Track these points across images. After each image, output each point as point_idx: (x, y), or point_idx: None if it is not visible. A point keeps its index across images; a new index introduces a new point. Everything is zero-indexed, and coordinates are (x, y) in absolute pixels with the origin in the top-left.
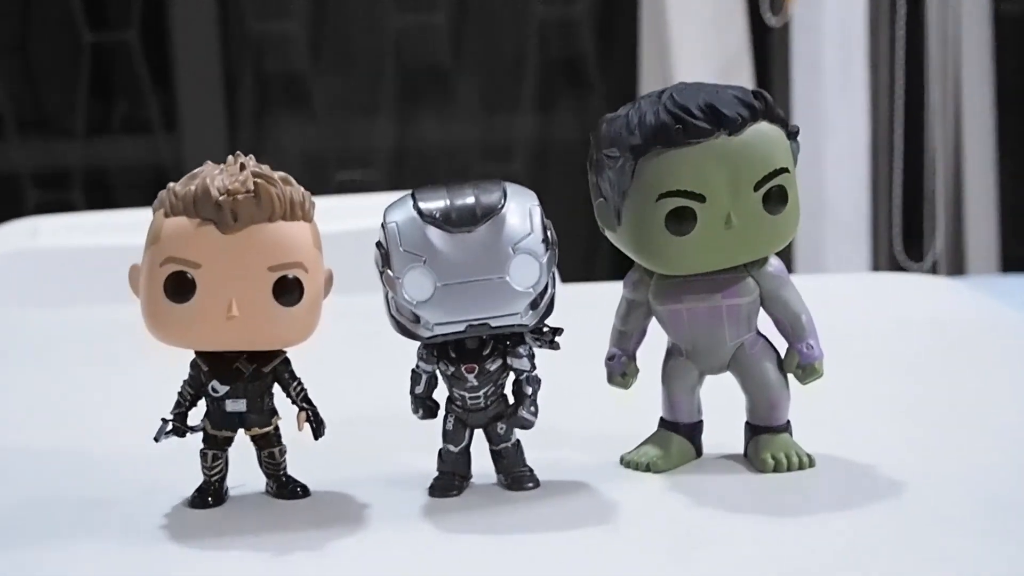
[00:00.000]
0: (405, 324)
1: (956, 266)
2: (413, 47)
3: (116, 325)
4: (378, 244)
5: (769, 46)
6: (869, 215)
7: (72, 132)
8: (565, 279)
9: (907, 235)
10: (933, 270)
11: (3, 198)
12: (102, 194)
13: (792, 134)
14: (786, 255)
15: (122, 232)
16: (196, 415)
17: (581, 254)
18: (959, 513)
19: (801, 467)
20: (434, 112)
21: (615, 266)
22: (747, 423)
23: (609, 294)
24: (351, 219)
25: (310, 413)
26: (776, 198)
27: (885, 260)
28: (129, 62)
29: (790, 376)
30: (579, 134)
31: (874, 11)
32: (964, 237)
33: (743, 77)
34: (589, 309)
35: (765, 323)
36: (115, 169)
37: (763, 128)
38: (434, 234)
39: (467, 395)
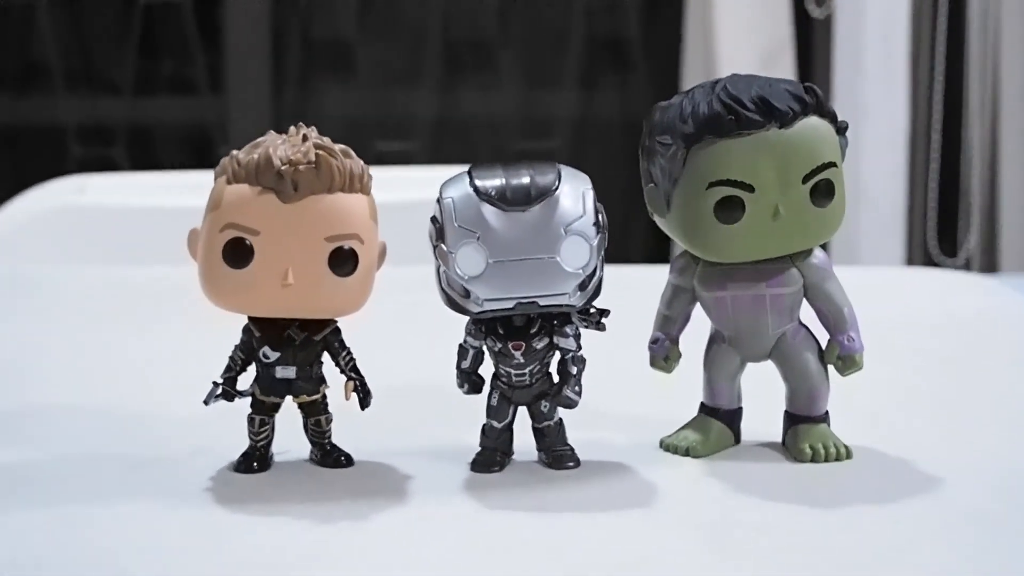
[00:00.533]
0: (455, 298)
1: (989, 263)
2: (459, 19)
3: (162, 285)
4: (433, 219)
5: (812, 37)
6: (905, 209)
7: (119, 89)
8: None
9: (942, 230)
10: (966, 266)
11: (47, 151)
12: (145, 152)
13: (841, 129)
14: (822, 245)
15: (169, 194)
16: (246, 380)
17: (616, 235)
18: (993, 507)
19: (838, 458)
20: (476, 85)
21: (650, 248)
22: (786, 412)
23: (643, 277)
24: (391, 190)
25: (358, 383)
26: (823, 191)
27: (919, 254)
28: (179, 22)
29: (830, 368)
30: (620, 114)
31: (916, 5)
32: (998, 234)
33: (785, 66)
34: (624, 290)
35: (808, 314)
36: (159, 127)
37: (813, 122)
38: (489, 211)
39: (513, 372)
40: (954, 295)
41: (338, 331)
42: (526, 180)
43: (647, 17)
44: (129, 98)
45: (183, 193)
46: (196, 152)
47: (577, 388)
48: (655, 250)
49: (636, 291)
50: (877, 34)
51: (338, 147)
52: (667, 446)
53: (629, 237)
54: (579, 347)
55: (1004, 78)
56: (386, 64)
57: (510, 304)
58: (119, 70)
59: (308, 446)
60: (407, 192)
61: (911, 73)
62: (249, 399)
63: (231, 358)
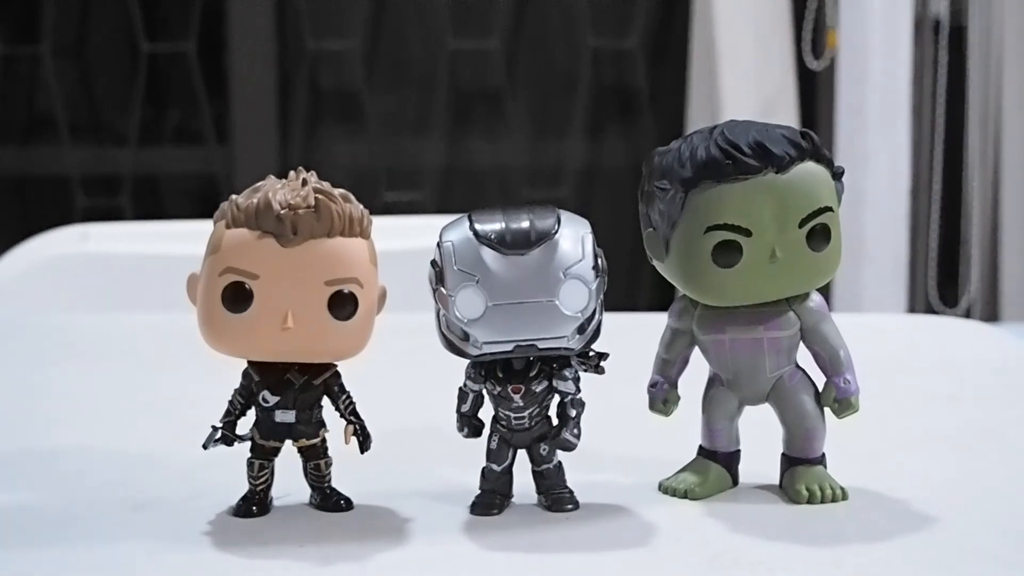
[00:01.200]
0: (455, 341)
1: (990, 312)
2: (466, 69)
3: (164, 332)
4: (433, 262)
5: (814, 86)
6: (906, 258)
7: (125, 139)
8: (606, 307)
9: (943, 279)
10: (967, 315)
11: (53, 201)
12: (151, 202)
13: (837, 175)
14: (824, 293)
15: (172, 241)
16: (245, 424)
17: (625, 282)
18: (989, 548)
19: (834, 499)
20: (484, 134)
21: (658, 295)
22: (783, 454)
23: (651, 323)
24: (397, 239)
25: (357, 427)
26: (820, 236)
27: (921, 303)
28: (185, 73)
29: (827, 410)
30: (627, 162)
31: (917, 57)
32: (1000, 283)
33: (787, 115)
34: (631, 337)
35: (804, 357)
36: (165, 178)
37: (810, 167)
38: (488, 255)
39: (512, 415)
40: (954, 340)
41: (338, 375)
42: (526, 224)
43: (653, 66)
44: (135, 148)
45: (185, 241)
46: (202, 202)
47: (576, 431)
48: (663, 296)
49: (639, 336)
50: (878, 84)
51: (338, 191)
52: (666, 488)
53: (636, 284)
54: (578, 390)
55: (1005, 127)
56: (393, 113)
57: (509, 347)
58: (125, 120)
59: (308, 490)
60: (414, 240)
61: (912, 122)
62: (249, 443)
63: (230, 402)
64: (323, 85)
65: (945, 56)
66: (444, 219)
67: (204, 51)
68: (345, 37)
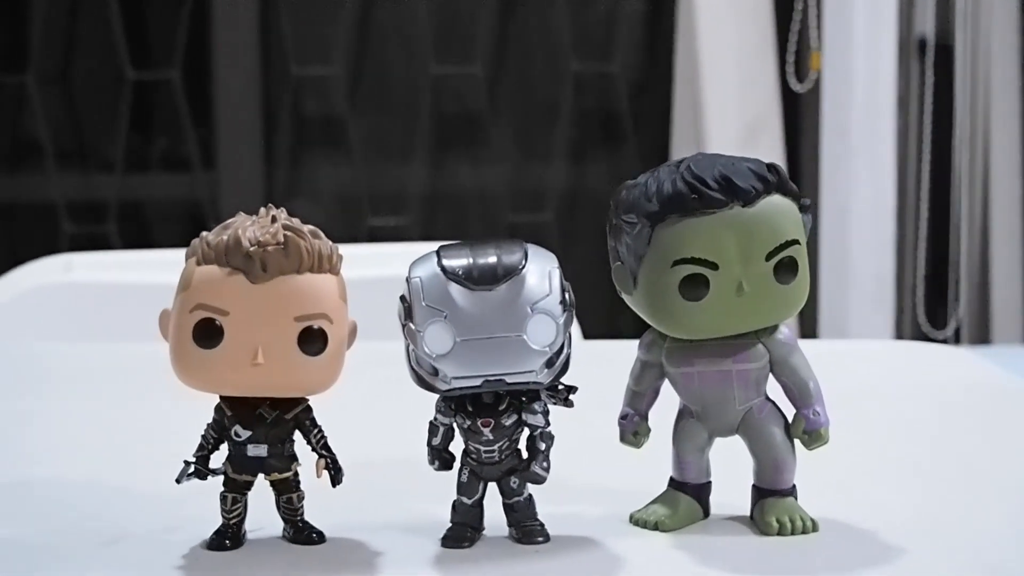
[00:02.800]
0: (424, 376)
1: (980, 335)
2: (449, 95)
3: (145, 363)
4: (402, 298)
5: (799, 109)
6: (893, 281)
7: (110, 166)
8: (590, 334)
9: (931, 302)
10: (956, 338)
11: (39, 228)
12: (137, 228)
13: (804, 207)
14: (810, 319)
15: (155, 270)
16: (218, 458)
17: (607, 308)
18: None
19: (804, 531)
20: (468, 159)
21: (639, 323)
22: (754, 486)
23: (634, 351)
24: (381, 266)
25: (329, 461)
26: (786, 268)
27: (908, 327)
28: (170, 100)
29: (797, 442)
30: (610, 186)
31: (902, 77)
32: (990, 305)
33: (772, 138)
34: (611, 365)
35: (774, 389)
36: (151, 204)
37: (776, 201)
38: (456, 291)
39: (482, 448)
40: (936, 368)
41: (309, 409)
42: (492, 260)
43: (636, 90)
44: (120, 175)
45: (169, 270)
46: (189, 228)
47: (545, 464)
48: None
49: (622, 366)
50: (863, 105)
51: (307, 228)
52: (636, 520)
53: (619, 310)
54: (547, 423)
55: (993, 147)
56: (377, 139)
57: (478, 382)
58: (110, 147)
59: (280, 523)
60: (395, 267)
61: (898, 143)
62: (222, 477)
63: (203, 436)
64: (307, 111)
65: (931, 76)
66: (425, 246)
67: (189, 78)
68: (329, 63)
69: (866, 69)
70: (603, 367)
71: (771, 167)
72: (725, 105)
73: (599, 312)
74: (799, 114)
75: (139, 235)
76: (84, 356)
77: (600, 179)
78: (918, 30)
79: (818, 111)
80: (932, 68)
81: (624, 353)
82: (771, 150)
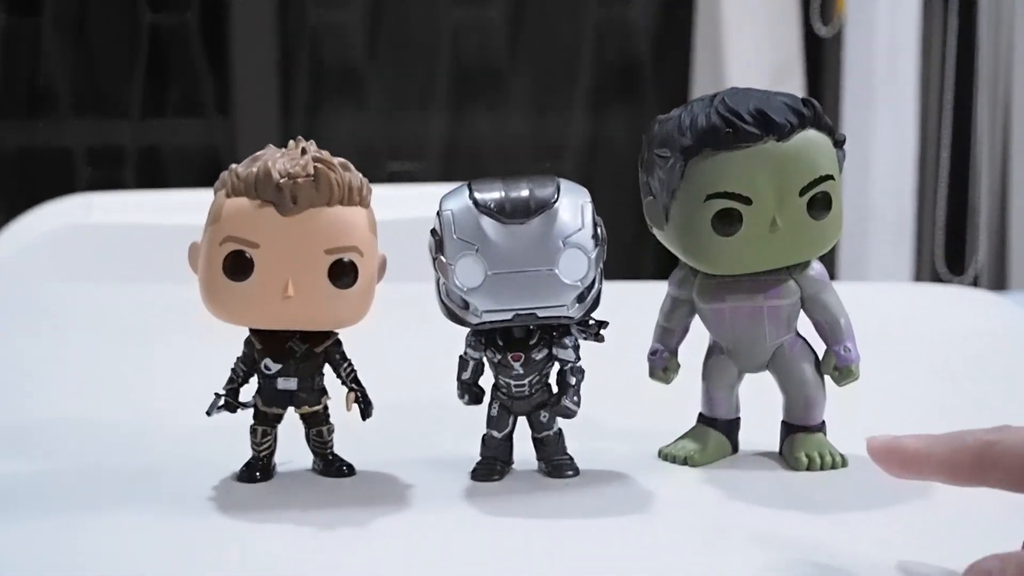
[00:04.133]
0: (455, 310)
1: (998, 280)
2: (468, 43)
3: (167, 302)
4: (433, 231)
5: (821, 55)
6: (913, 226)
7: (127, 112)
8: (611, 277)
9: (950, 248)
10: (975, 283)
11: (56, 174)
12: (154, 174)
13: (839, 143)
14: (830, 262)
15: (175, 212)
16: (248, 392)
17: (627, 254)
18: (988, 515)
19: (834, 466)
20: (487, 108)
21: (660, 266)
22: (783, 422)
23: (654, 293)
24: (402, 207)
25: (359, 394)
26: (820, 204)
27: (927, 271)
28: (186, 45)
29: (827, 378)
30: (630, 136)
31: (926, 24)
32: (1008, 251)
33: (794, 85)
34: (634, 306)
35: (805, 326)
36: (167, 150)
37: (811, 135)
38: (488, 224)
39: (512, 383)
40: (959, 310)
41: (339, 343)
42: (525, 193)
43: (656, 40)
44: (137, 121)
45: (188, 211)
46: (205, 174)
47: (576, 398)
48: (666, 266)
49: (644, 307)
50: (886, 52)
51: (337, 160)
52: (665, 455)
53: (639, 256)
54: (578, 358)
55: (1015, 95)
56: (396, 88)
57: (509, 316)
58: (127, 92)
59: (310, 456)
60: (415, 209)
61: (920, 90)
62: (251, 410)
63: (233, 370)
64: (325, 57)
65: (955, 23)
66: (446, 187)
67: (206, 23)
68: (346, 9)
69: (891, 14)
70: (626, 307)
71: (806, 101)
72: (747, 51)
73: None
74: (821, 59)
75: (155, 181)
76: (105, 296)
77: (620, 129)
78: None
79: (840, 56)
80: (956, 13)
81: (646, 294)
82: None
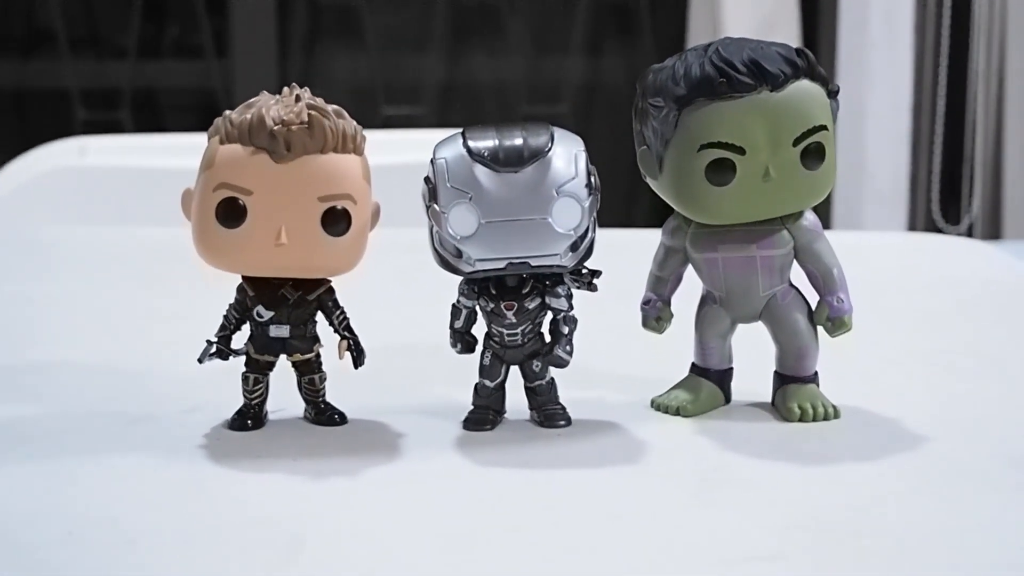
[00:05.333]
0: (448, 258)
1: (993, 230)
2: None
3: (161, 246)
4: (426, 179)
5: (816, 3)
6: (908, 175)
7: (123, 53)
8: (604, 224)
9: (945, 197)
10: (969, 233)
11: (52, 115)
12: (150, 116)
13: (832, 93)
14: (824, 211)
15: (169, 155)
16: (240, 339)
17: (621, 199)
18: (980, 466)
19: (827, 418)
20: (484, 50)
21: (654, 212)
22: (776, 372)
23: (647, 241)
24: (397, 153)
25: (351, 342)
26: (814, 154)
27: (922, 221)
28: None
29: (820, 329)
30: (626, 79)
31: None
32: (1002, 201)
33: (790, 31)
34: (627, 254)
35: (798, 276)
36: (164, 92)
37: (804, 85)
38: (481, 172)
39: (505, 332)
40: (953, 260)
41: (332, 291)
42: (519, 141)
43: None
44: (133, 62)
45: (183, 155)
46: (202, 116)
47: (568, 348)
48: (660, 213)
49: (637, 255)
50: (881, 1)
51: (331, 107)
52: (658, 405)
53: (633, 202)
54: (571, 307)
55: (1010, 45)
56: (393, 29)
57: (502, 264)
58: (124, 34)
59: (302, 404)
60: (412, 154)
61: (916, 39)
62: (243, 357)
63: (225, 317)
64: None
65: None
66: (442, 133)
67: None
68: None
69: None
70: (619, 255)
71: (800, 51)
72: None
73: (613, 203)
74: (817, 8)
75: (152, 122)
76: (101, 239)
77: (616, 72)
78: None
79: (836, 5)
80: None
81: (639, 242)
82: (788, 43)
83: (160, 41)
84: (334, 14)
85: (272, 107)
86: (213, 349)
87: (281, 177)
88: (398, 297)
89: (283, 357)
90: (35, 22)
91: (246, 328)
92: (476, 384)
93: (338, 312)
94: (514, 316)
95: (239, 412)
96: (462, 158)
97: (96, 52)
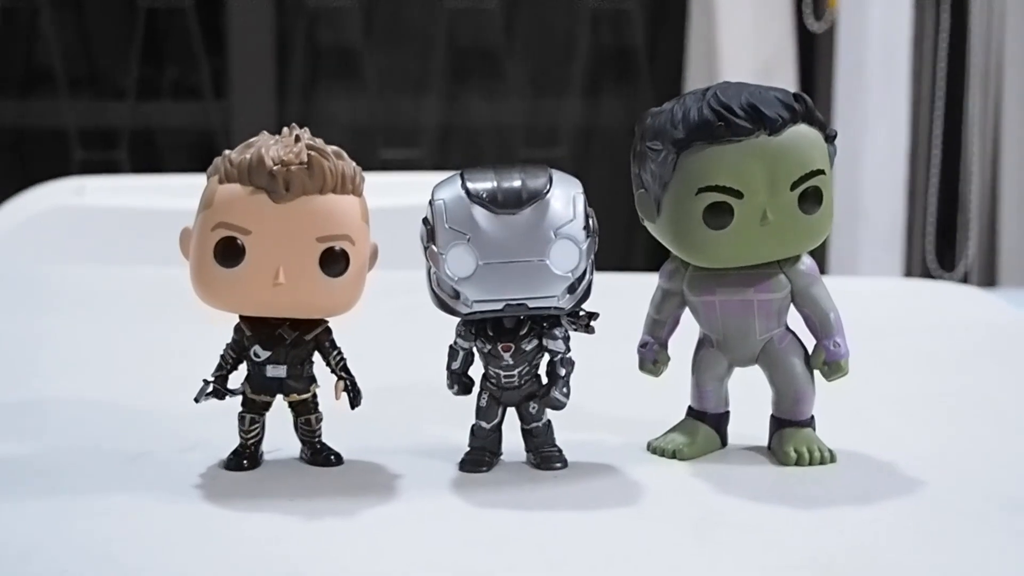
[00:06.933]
0: (445, 299)
1: (988, 277)
2: (465, 27)
3: (158, 285)
4: (424, 220)
5: (813, 49)
6: (904, 222)
7: (122, 93)
8: (602, 267)
9: (940, 244)
10: (965, 280)
11: (50, 154)
12: (148, 156)
13: (830, 137)
14: (820, 256)
15: (167, 195)
16: (237, 378)
17: (620, 242)
18: (976, 510)
19: (823, 462)
20: (482, 93)
21: (652, 256)
22: (772, 416)
23: (645, 284)
24: (395, 196)
25: (348, 383)
26: (811, 198)
27: (918, 267)
28: (183, 28)
29: (816, 373)
30: (624, 122)
31: (918, 20)
32: (998, 248)
33: (786, 77)
34: (624, 297)
35: (795, 319)
36: (163, 132)
37: (802, 130)
38: (479, 214)
39: (502, 373)
40: (948, 305)
41: (329, 331)
42: (517, 183)
43: (651, 27)
44: (132, 102)
45: (180, 195)
46: (200, 157)
47: (565, 390)
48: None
49: (635, 298)
50: (878, 47)
51: (330, 148)
52: (654, 448)
53: (631, 245)
54: (568, 349)
55: (1006, 91)
56: (392, 71)
57: (499, 306)
58: (123, 74)
59: (298, 445)
60: (409, 196)
61: (912, 86)
62: (240, 397)
63: (222, 356)
64: (321, 41)
65: (947, 18)
66: (440, 176)
67: (203, 6)
68: None
69: (882, 10)
70: (617, 298)
71: (798, 96)
72: (740, 43)
73: (611, 246)
74: (814, 53)
75: (150, 163)
76: (99, 278)
77: (614, 115)
78: None
79: (833, 51)
80: (948, 9)
81: (637, 286)
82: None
83: (159, 81)
84: (333, 56)
85: (272, 147)
86: (210, 389)
87: (280, 217)
88: (395, 338)
89: (279, 397)
90: (34, 61)
91: (243, 368)
92: (473, 425)
93: (335, 352)
94: (511, 358)
95: (235, 452)
96: (460, 199)
97: (95, 92)
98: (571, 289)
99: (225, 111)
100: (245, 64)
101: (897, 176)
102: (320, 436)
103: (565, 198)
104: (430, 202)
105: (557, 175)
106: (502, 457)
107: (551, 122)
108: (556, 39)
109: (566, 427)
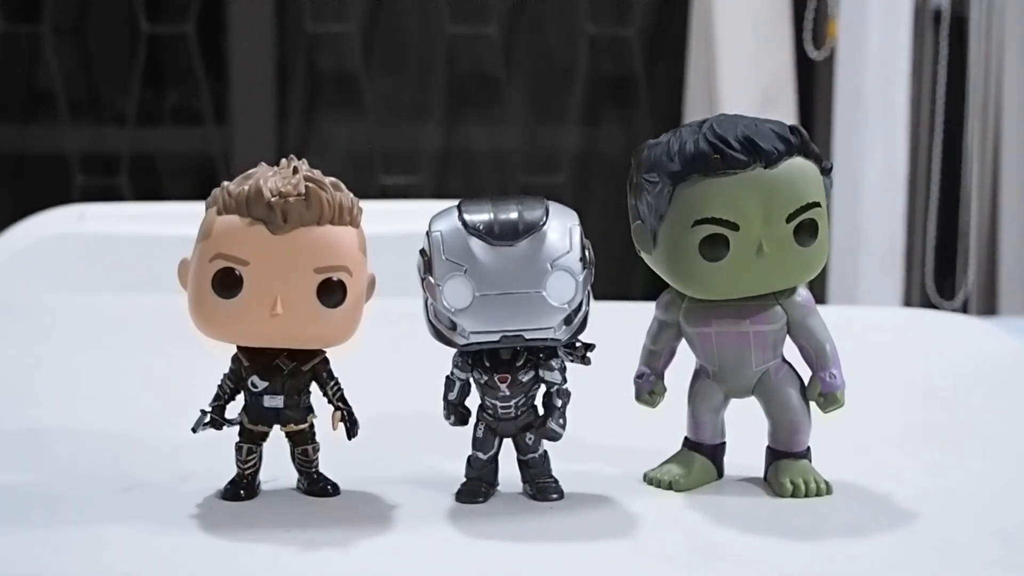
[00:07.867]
0: (442, 331)
1: (988, 305)
2: (464, 55)
3: (158, 314)
4: (421, 251)
5: (813, 77)
6: (903, 250)
7: (123, 119)
8: (600, 295)
9: (940, 272)
10: (964, 308)
11: (51, 179)
12: (149, 182)
13: (826, 170)
14: (820, 283)
15: (168, 223)
16: (234, 409)
17: (617, 270)
18: (972, 543)
19: (819, 493)
20: (481, 120)
21: (650, 284)
22: (768, 447)
23: (643, 313)
24: (393, 223)
25: (345, 413)
26: (807, 230)
27: (917, 295)
28: (184, 54)
29: (812, 404)
30: (623, 150)
31: (917, 46)
32: (997, 276)
33: (786, 105)
34: (620, 327)
35: (791, 351)
36: (163, 158)
37: (798, 162)
38: (476, 245)
39: (498, 404)
40: (947, 336)
41: (326, 361)
42: (514, 215)
43: (651, 54)
44: (133, 128)
45: (181, 223)
46: (200, 182)
47: (562, 421)
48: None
49: (632, 327)
50: (877, 74)
51: (328, 180)
52: (650, 479)
53: (629, 273)
54: (564, 380)
55: (1005, 119)
56: (392, 97)
57: (496, 337)
58: (123, 100)
59: (295, 475)
60: (408, 224)
61: (911, 113)
62: (237, 427)
63: (220, 386)
64: (322, 68)
65: (945, 47)
66: (439, 204)
67: (203, 32)
68: (344, 20)
69: (881, 38)
70: (614, 328)
71: (793, 129)
72: (739, 71)
73: (609, 274)
74: (813, 81)
75: (150, 188)
76: (99, 306)
77: (613, 143)
78: (933, 0)
79: (832, 79)
80: (947, 38)
81: (635, 315)
82: (785, 117)
83: (159, 107)
84: (333, 82)
85: (270, 178)
86: (207, 419)
87: (277, 248)
88: (392, 368)
89: (277, 427)
90: (35, 87)
91: (240, 398)
92: (469, 456)
93: (332, 383)
94: (508, 389)
95: (232, 482)
96: (457, 231)
97: (95, 117)
98: (567, 320)
99: (225, 136)
100: (246, 90)
101: (896, 203)
102: (317, 466)
103: (561, 230)
104: (427, 233)
105: (554, 207)
106: (498, 488)
107: (550, 149)
108: (555, 66)
109: (562, 458)
